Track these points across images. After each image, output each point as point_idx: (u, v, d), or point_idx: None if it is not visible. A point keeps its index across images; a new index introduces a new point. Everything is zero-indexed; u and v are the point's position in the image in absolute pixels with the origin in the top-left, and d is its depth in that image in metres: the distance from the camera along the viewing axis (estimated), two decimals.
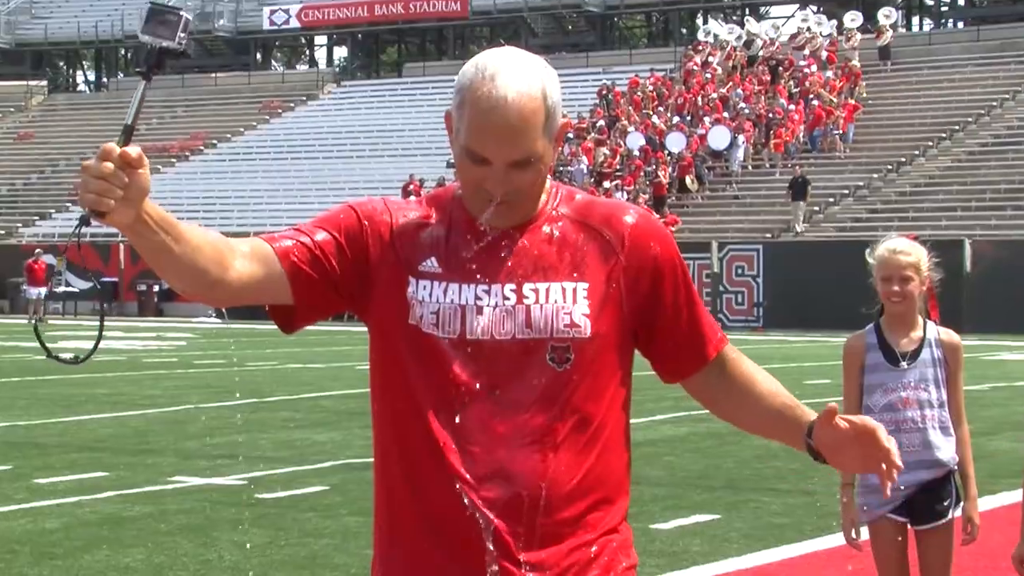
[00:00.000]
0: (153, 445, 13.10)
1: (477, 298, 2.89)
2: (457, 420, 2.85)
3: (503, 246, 2.93)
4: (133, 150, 2.62)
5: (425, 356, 2.88)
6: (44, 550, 8.36)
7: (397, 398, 2.92)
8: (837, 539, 8.58)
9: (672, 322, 3.00)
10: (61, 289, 46.36)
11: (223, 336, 32.30)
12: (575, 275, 2.91)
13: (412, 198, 3.14)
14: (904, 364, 5.57)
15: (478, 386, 2.85)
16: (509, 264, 2.91)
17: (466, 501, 2.82)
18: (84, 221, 2.76)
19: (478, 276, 2.91)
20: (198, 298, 2.87)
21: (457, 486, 2.83)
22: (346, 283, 2.93)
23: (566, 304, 2.88)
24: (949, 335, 5.64)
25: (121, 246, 46.58)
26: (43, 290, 41.75)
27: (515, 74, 2.82)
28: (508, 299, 2.88)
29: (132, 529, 8.99)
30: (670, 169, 43.64)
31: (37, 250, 42.87)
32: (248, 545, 8.44)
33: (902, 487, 5.48)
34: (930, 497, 5.52)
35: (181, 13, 2.69)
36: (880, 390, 5.56)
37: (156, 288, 45.28)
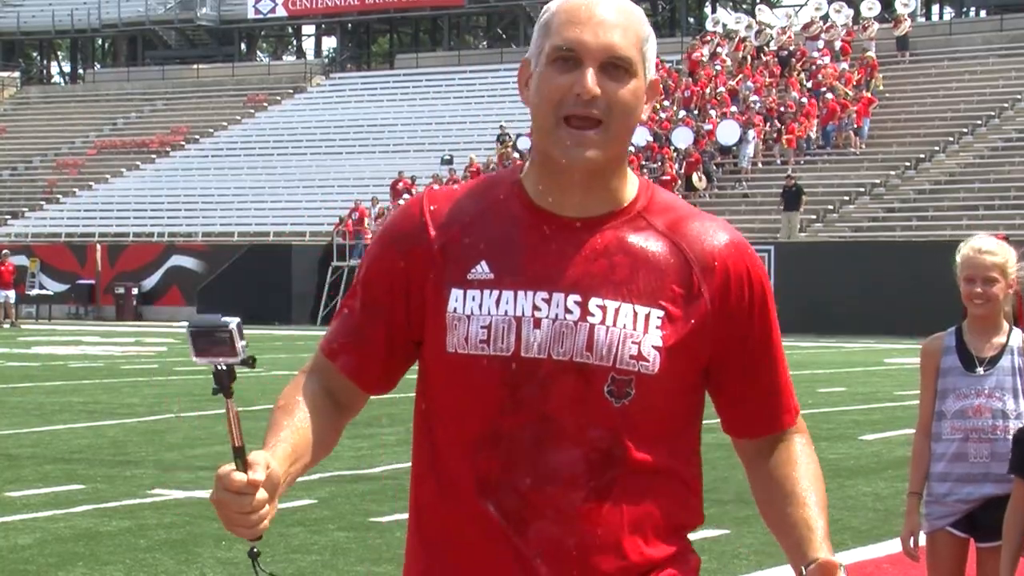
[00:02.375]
0: (131, 456, 13.10)
1: (535, 308, 2.66)
2: (501, 454, 2.67)
3: (574, 243, 2.69)
4: (258, 472, 2.57)
5: (468, 381, 2.69)
6: (17, 567, 8.36)
7: (436, 427, 2.75)
8: (850, 555, 8.59)
9: (751, 373, 2.78)
10: (35, 292, 46.38)
11: None
12: (651, 299, 2.67)
13: (455, 185, 2.96)
14: (980, 370, 5.51)
15: (527, 414, 2.66)
16: (577, 269, 2.67)
17: (510, 546, 2.66)
18: (253, 556, 2.73)
19: (539, 280, 2.67)
20: None
21: (500, 530, 2.67)
22: (404, 335, 2.79)
23: (636, 332, 2.65)
24: None
25: (98, 246, 46.60)
26: (11, 293, 41.60)
27: None
28: (571, 312, 2.65)
29: (109, 545, 9.00)
30: (676, 165, 43.67)
31: (4, 251, 42.72)
32: (232, 562, 8.45)
33: (967, 500, 5.48)
34: (996, 513, 5.37)
35: (227, 323, 2.56)
36: (953, 395, 5.52)
37: (135, 290, 45.29)
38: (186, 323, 2.59)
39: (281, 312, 40.88)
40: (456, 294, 2.69)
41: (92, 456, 13.11)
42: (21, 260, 45.82)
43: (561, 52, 2.64)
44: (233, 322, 2.55)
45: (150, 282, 45.75)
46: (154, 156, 56.39)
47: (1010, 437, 5.39)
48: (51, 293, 46.46)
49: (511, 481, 2.66)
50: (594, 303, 2.65)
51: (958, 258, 5.56)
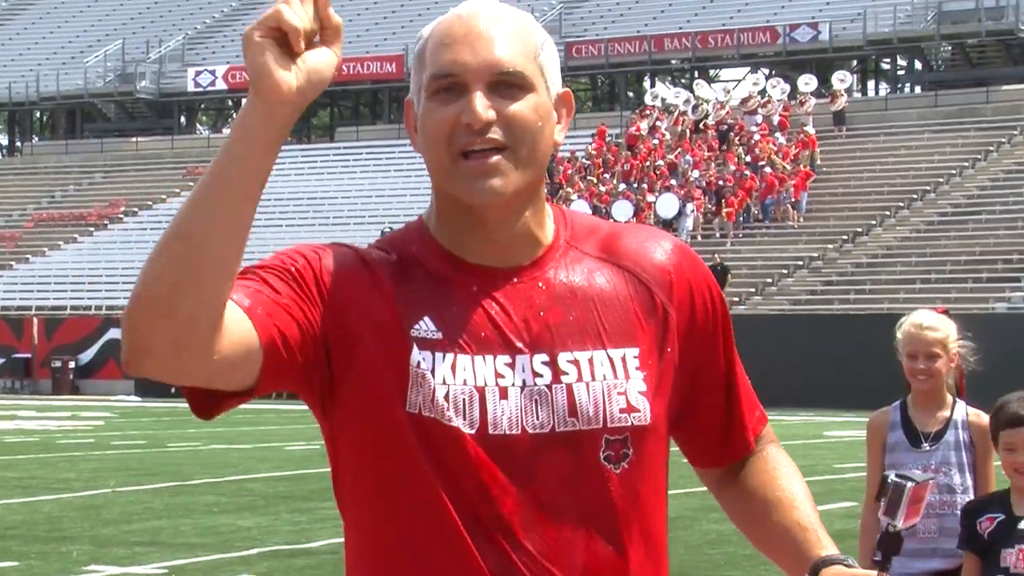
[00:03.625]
0: (67, 532, 12.96)
1: (498, 375, 2.27)
2: (489, 540, 2.25)
3: (517, 296, 2.31)
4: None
5: (437, 452, 2.25)
6: None
7: (403, 503, 2.29)
8: None
9: (716, 393, 2.48)
10: None
11: (143, 415, 32.03)
12: (622, 337, 2.33)
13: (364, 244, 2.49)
14: (926, 445, 5.53)
15: (512, 498, 2.25)
16: (533, 324, 2.30)
17: None
18: None
19: (492, 343, 2.28)
20: (140, 355, 2.15)
21: None
22: (319, 362, 2.29)
23: (618, 380, 2.30)
24: (979, 416, 5.58)
25: (35, 320, 46.23)
26: None
27: (492, 3, 2.36)
28: (540, 376, 2.28)
29: None
30: None
31: None
32: None
33: (915, 575, 5.48)
34: None
35: (909, 481, 2.35)
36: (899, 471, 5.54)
37: (72, 364, 44.91)
38: (897, 479, 2.35)
39: None
40: (415, 349, 2.27)
41: (26, 532, 12.96)
42: None
43: (440, 81, 2.28)
44: (910, 483, 2.33)
45: (87, 355, 45.38)
46: (92, 229, 56.10)
47: (958, 512, 5.42)
48: None
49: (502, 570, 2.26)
50: (564, 359, 2.29)
51: (899, 334, 5.59)
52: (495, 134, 2.25)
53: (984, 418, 5.58)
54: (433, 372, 2.26)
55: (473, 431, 2.25)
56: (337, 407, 2.32)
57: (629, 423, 2.29)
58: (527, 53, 2.30)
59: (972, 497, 5.48)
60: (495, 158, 2.26)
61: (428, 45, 2.33)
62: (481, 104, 2.25)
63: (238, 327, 2.18)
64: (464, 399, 2.26)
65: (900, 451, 5.55)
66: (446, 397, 2.25)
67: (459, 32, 2.29)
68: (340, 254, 2.34)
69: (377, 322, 2.29)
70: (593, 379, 2.29)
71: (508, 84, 2.27)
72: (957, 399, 5.63)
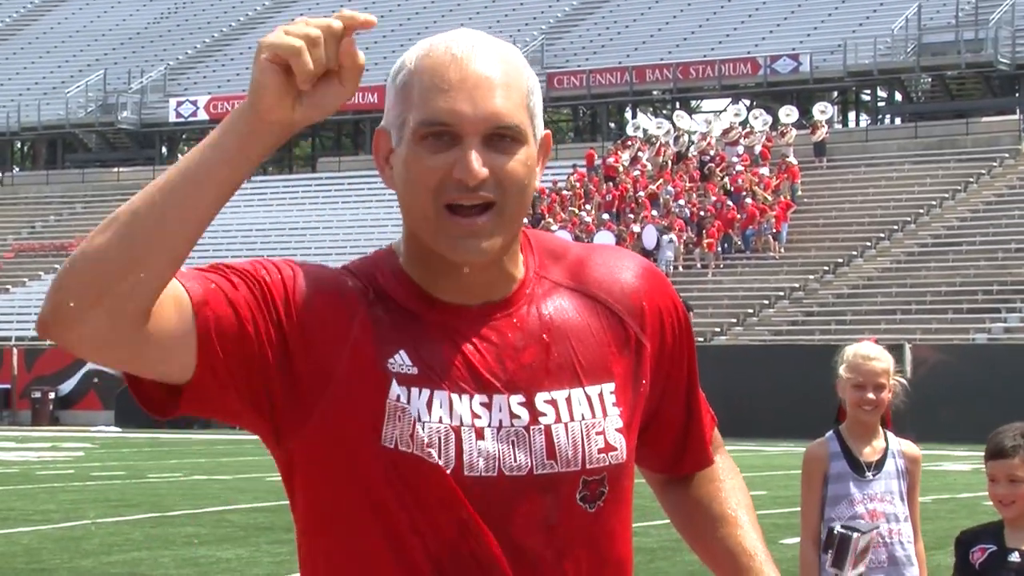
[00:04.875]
0: (46, 564, 12.89)
1: (474, 415, 2.19)
2: None
3: (491, 335, 2.23)
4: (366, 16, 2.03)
5: (412, 488, 2.18)
6: None
7: (367, 534, 2.21)
8: None
9: (678, 407, 2.43)
10: None
11: (123, 446, 31.93)
12: (597, 373, 2.26)
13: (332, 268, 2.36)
14: (869, 474, 5.57)
15: (487, 537, 2.19)
16: (507, 364, 2.22)
17: None
18: None
19: (468, 382, 2.20)
20: (74, 326, 2.07)
21: None
22: (269, 381, 2.18)
23: (596, 419, 2.24)
24: (910, 446, 5.67)
25: (14, 350, 46.09)
26: None
27: (481, 37, 2.23)
28: (518, 418, 2.20)
29: None
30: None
31: None
32: None
33: None
34: None
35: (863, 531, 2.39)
36: (846, 501, 5.55)
37: (52, 395, 44.77)
38: (843, 531, 2.46)
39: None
40: (391, 381, 2.19)
41: (4, 564, 12.89)
42: None
43: (432, 127, 2.16)
44: (856, 534, 2.39)
45: (67, 386, 45.25)
46: None
47: (904, 540, 5.47)
48: None
49: None
50: (541, 399, 2.22)
51: (844, 365, 5.63)
52: (486, 191, 2.16)
53: (915, 448, 5.70)
54: (410, 407, 2.18)
55: (448, 471, 2.17)
56: (298, 437, 2.22)
57: (607, 462, 2.25)
58: (522, 102, 2.20)
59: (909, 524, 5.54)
60: (483, 219, 2.16)
61: (415, 81, 2.19)
62: (477, 162, 2.14)
63: (176, 314, 2.10)
64: (439, 437, 2.18)
65: (844, 481, 5.57)
66: (425, 433, 2.18)
67: (454, 77, 2.16)
68: (318, 277, 2.23)
69: (353, 353, 2.20)
70: (572, 419, 2.23)
71: (502, 136, 2.17)
72: (885, 430, 5.68)
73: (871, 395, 5.55)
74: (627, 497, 2.31)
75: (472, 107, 2.14)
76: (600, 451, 2.24)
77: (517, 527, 2.19)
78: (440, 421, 2.18)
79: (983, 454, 5.20)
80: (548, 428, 2.21)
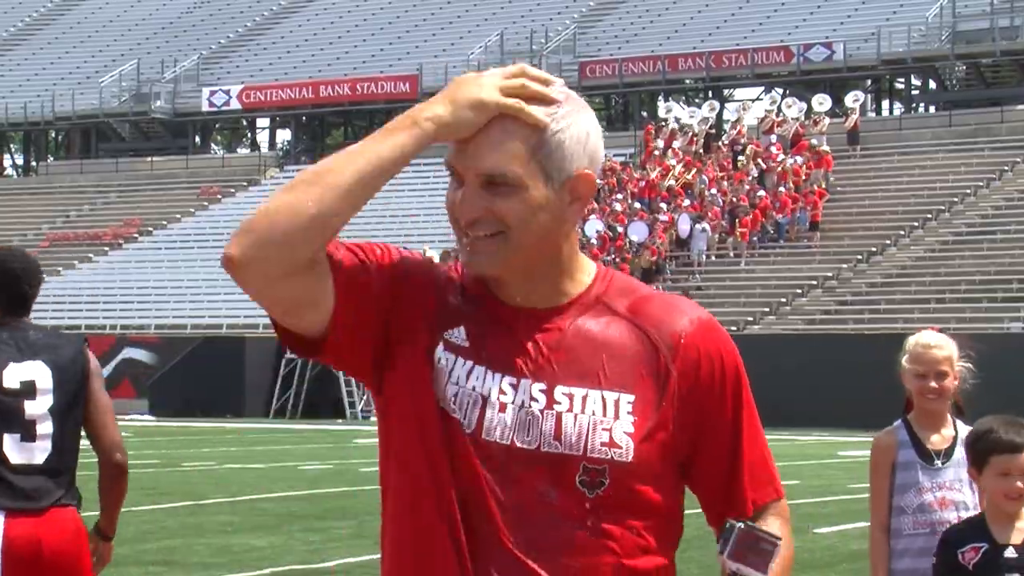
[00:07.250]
0: None
1: (501, 392, 2.57)
2: (473, 534, 2.54)
3: (535, 333, 2.60)
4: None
5: (447, 443, 2.58)
6: None
7: (411, 493, 2.60)
8: None
9: (718, 462, 2.66)
10: None
11: (157, 434, 32.05)
12: (620, 385, 2.57)
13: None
14: (939, 463, 5.54)
15: (494, 499, 2.55)
16: (539, 359, 2.59)
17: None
18: None
19: (504, 364, 2.58)
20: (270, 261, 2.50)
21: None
22: (378, 337, 2.63)
23: (606, 418, 2.55)
24: None
25: None
26: None
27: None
28: (536, 400, 2.56)
29: None
30: (632, 259, 43.80)
31: None
32: None
33: None
34: None
35: (776, 540, 2.55)
36: (914, 489, 5.53)
37: None
38: (735, 521, 2.54)
39: (234, 405, 40.66)
40: (440, 347, 2.62)
41: None
42: None
43: (449, 167, 2.63)
44: (740, 525, 2.53)
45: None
46: (107, 248, 56.24)
47: None
48: None
49: (487, 559, 2.53)
50: (560, 391, 2.56)
51: (906, 355, 5.61)
52: (483, 229, 2.56)
53: None
54: (450, 372, 2.58)
55: (469, 431, 2.55)
56: (386, 385, 2.63)
57: (609, 456, 2.54)
58: (521, 157, 2.55)
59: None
60: (483, 241, 2.57)
61: None
62: (469, 201, 2.57)
63: (325, 270, 2.57)
64: (469, 401, 2.57)
65: (913, 469, 5.55)
66: (455, 395, 2.57)
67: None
68: (416, 262, 2.68)
69: (427, 324, 2.62)
70: (583, 412, 2.55)
71: (497, 183, 2.55)
72: (955, 418, 5.64)
73: (933, 383, 5.52)
74: (642, 510, 2.55)
75: (464, 160, 2.59)
76: (603, 444, 2.53)
77: (519, 492, 2.53)
78: (473, 389, 2.57)
79: (980, 450, 5.00)
80: (560, 415, 2.55)
